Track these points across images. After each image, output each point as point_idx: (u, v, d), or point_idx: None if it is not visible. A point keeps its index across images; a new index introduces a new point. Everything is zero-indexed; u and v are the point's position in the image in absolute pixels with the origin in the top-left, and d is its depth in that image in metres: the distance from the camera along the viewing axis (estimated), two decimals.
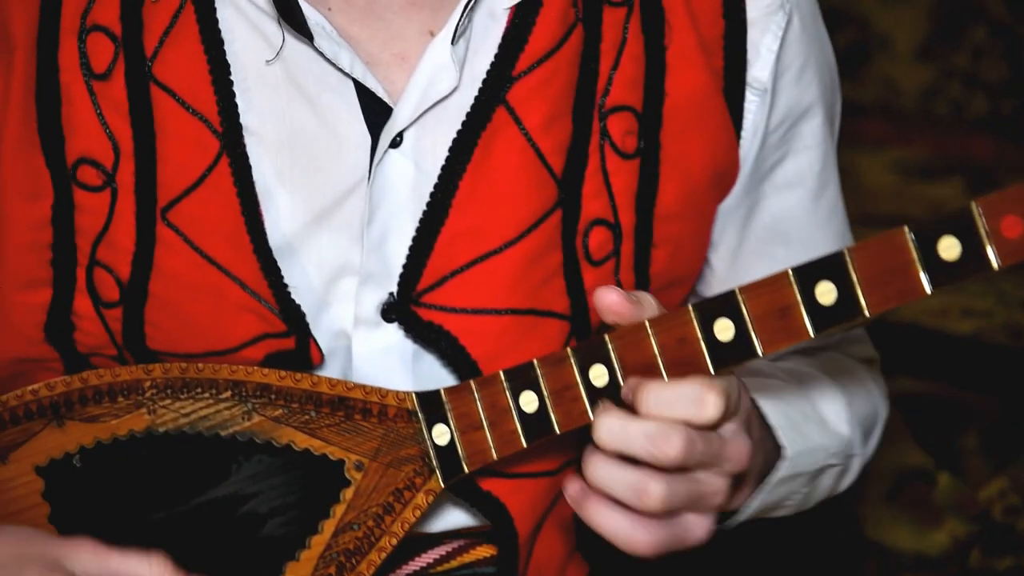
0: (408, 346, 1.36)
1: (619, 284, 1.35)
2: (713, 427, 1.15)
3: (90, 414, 1.30)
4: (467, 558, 1.44)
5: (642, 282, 1.39)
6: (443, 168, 1.33)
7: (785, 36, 1.40)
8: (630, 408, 1.15)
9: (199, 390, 1.30)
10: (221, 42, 1.33)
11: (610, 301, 1.15)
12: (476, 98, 1.33)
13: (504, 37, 1.34)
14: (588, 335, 1.37)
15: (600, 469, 1.14)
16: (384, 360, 1.36)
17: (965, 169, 3.00)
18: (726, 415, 1.14)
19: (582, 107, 1.35)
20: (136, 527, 1.30)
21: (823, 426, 1.45)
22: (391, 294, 1.34)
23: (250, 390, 1.29)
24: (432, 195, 1.33)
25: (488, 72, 1.34)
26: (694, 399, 1.12)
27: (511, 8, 1.33)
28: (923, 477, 2.41)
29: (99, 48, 1.33)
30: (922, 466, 2.41)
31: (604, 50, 1.36)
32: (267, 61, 1.33)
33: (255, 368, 1.30)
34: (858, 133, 3.19)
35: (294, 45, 1.32)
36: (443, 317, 1.34)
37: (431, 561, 1.44)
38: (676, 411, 1.11)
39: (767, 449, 1.36)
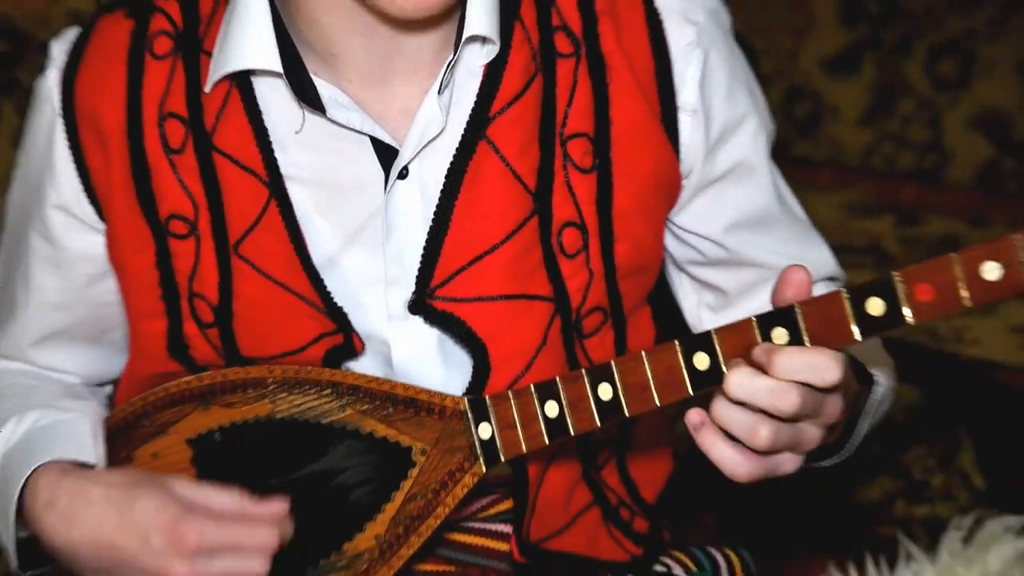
0: (432, 332, 1.41)
1: (590, 272, 1.43)
2: (831, 388, 1.18)
3: (227, 401, 1.41)
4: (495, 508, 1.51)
5: (610, 269, 1.44)
6: (442, 192, 1.39)
7: (706, 66, 1.44)
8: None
9: (307, 387, 1.39)
10: (260, 113, 1.39)
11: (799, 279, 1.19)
12: (462, 136, 1.39)
13: (481, 88, 1.39)
14: (568, 312, 1.43)
15: (724, 408, 1.16)
16: (415, 345, 1.43)
17: (895, 209, 3.17)
18: (836, 385, 1.18)
19: (546, 136, 1.41)
20: (258, 489, 1.36)
21: (881, 358, 1.51)
22: (412, 294, 1.40)
23: (344, 389, 1.38)
24: (435, 214, 1.39)
25: (470, 115, 1.39)
26: (821, 367, 1.15)
27: (485, 66, 1.39)
28: (859, 445, 2.63)
29: (173, 130, 1.40)
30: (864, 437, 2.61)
31: (560, 92, 1.42)
32: (295, 131, 1.40)
33: (349, 372, 1.40)
34: (813, 180, 3.33)
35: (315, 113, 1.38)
36: (453, 306, 1.40)
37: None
38: (803, 375, 1.14)
39: (853, 391, 1.35)
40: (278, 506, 1.33)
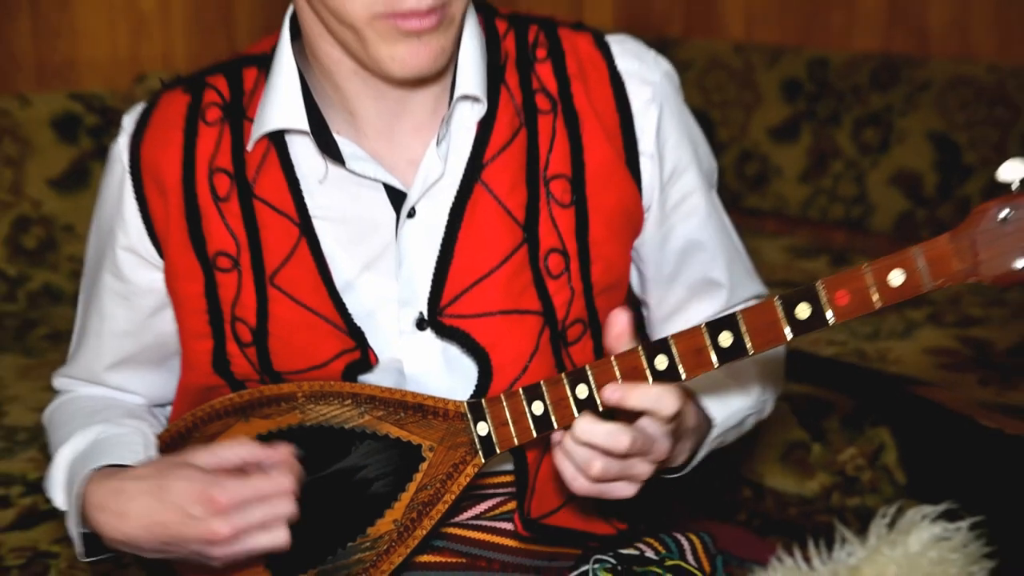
0: (438, 343, 1.41)
1: (571, 290, 1.43)
2: (671, 420, 1.25)
3: (264, 413, 1.41)
4: (494, 480, 1.47)
5: (587, 287, 1.45)
6: (446, 227, 1.40)
7: (660, 119, 1.45)
8: (607, 408, 1.25)
9: (331, 399, 1.39)
10: (292, 166, 1.41)
11: (617, 326, 1.27)
12: (462, 179, 1.40)
13: (475, 141, 1.40)
14: (555, 324, 1.43)
15: (569, 444, 1.22)
16: (424, 356, 1.42)
17: (829, 251, 3.19)
18: (672, 418, 1.25)
19: (532, 177, 1.42)
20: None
21: (743, 391, 1.52)
22: (421, 313, 1.41)
23: (362, 399, 1.38)
24: (441, 245, 1.40)
25: (467, 162, 1.40)
26: (666, 400, 1.22)
27: (477, 122, 1.41)
28: (802, 447, 2.55)
29: (220, 182, 1.42)
30: (802, 439, 2.56)
31: (541, 141, 1.42)
32: (320, 181, 1.41)
33: (366, 384, 1.39)
34: (761, 228, 3.39)
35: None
36: (459, 321, 1.40)
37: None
38: (650, 405, 1.22)
39: (703, 424, 1.45)
40: (285, 449, 1.32)
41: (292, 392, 1.39)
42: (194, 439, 1.44)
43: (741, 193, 3.55)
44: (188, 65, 3.13)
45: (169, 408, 1.59)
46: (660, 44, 3.65)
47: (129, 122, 1.46)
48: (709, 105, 3.63)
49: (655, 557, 1.50)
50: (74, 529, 1.39)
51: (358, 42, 1.30)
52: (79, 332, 1.56)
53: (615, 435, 1.20)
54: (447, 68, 1.38)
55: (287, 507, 1.28)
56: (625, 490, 1.27)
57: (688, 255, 1.51)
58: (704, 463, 1.49)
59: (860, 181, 3.37)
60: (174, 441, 1.45)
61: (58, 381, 1.59)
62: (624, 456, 1.22)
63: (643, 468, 1.26)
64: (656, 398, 1.22)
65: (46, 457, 1.48)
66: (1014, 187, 1.13)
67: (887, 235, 3.32)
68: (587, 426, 1.20)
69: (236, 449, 1.32)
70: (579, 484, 1.24)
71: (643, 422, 1.23)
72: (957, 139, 3.24)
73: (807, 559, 2.14)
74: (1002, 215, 1.13)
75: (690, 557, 1.54)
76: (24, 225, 2.75)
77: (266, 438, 1.39)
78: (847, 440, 2.50)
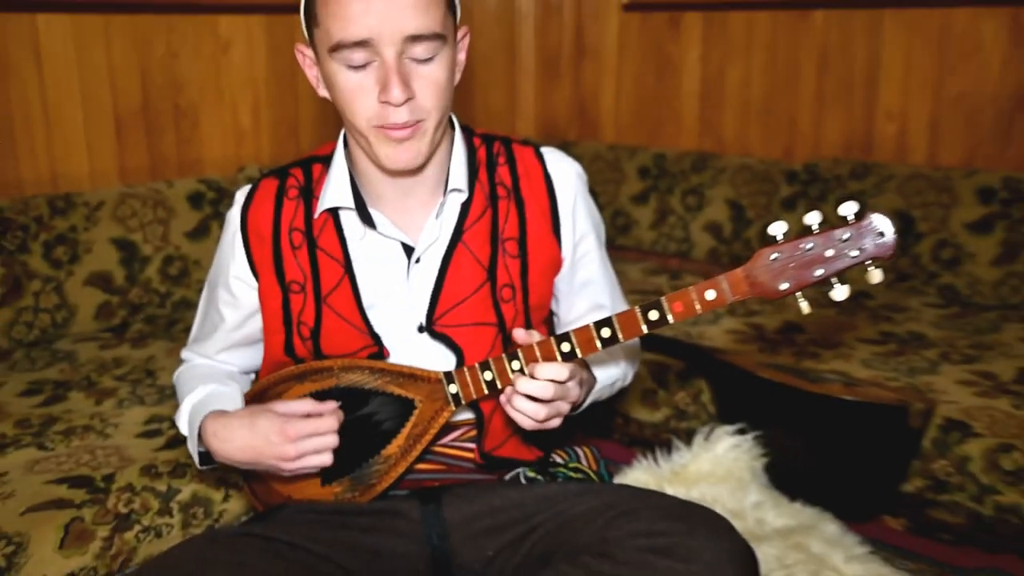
0: (431, 342, 1.37)
1: (516, 310, 1.39)
2: (566, 382, 1.23)
3: (313, 379, 1.38)
4: (466, 435, 1.42)
5: (526, 308, 1.41)
6: (439, 270, 1.37)
7: (575, 203, 1.43)
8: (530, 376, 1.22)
9: (356, 370, 1.36)
10: (342, 229, 1.37)
11: (518, 335, 1.25)
12: (449, 241, 1.37)
13: (459, 216, 1.37)
14: (507, 337, 1.39)
15: (518, 399, 1.22)
16: (422, 349, 1.38)
17: (667, 272, 3.06)
18: (571, 376, 1.24)
19: (494, 239, 1.38)
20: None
21: (615, 364, 1.48)
22: (421, 323, 1.37)
23: (376, 370, 1.35)
24: (435, 281, 1.37)
25: (454, 230, 1.37)
26: (558, 372, 1.21)
27: (460, 204, 1.37)
28: (653, 392, 2.49)
29: (296, 237, 1.38)
30: (652, 387, 2.49)
31: (500, 216, 1.39)
32: (360, 239, 1.38)
33: (379, 361, 1.36)
34: (626, 258, 3.24)
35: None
36: (445, 329, 1.37)
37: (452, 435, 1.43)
38: (551, 375, 1.21)
39: (591, 379, 1.41)
40: (332, 404, 1.32)
41: (331, 366, 1.37)
42: (268, 396, 1.42)
43: (614, 236, 3.50)
44: (270, 161, 3.14)
45: (252, 375, 1.58)
46: (563, 144, 3.67)
47: (240, 197, 1.43)
48: (594, 183, 3.56)
49: (561, 462, 1.50)
50: (193, 448, 1.38)
51: (366, 143, 1.28)
52: (200, 325, 1.54)
53: (544, 387, 1.21)
54: (429, 163, 1.35)
55: (332, 440, 1.29)
56: (555, 422, 1.25)
57: (586, 287, 1.49)
58: (592, 405, 1.47)
59: (686, 228, 3.35)
60: (256, 396, 1.44)
61: (185, 353, 1.57)
62: (551, 401, 1.22)
63: (564, 407, 1.25)
64: (556, 369, 1.21)
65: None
66: (779, 239, 1.16)
67: (703, 262, 3.29)
68: (525, 383, 1.21)
69: (301, 403, 1.32)
70: (528, 423, 1.23)
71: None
72: (743, 203, 3.23)
73: (656, 461, 2.20)
74: (772, 257, 1.16)
75: (584, 461, 1.53)
76: (170, 261, 2.73)
77: (314, 395, 1.37)
78: (680, 387, 2.49)
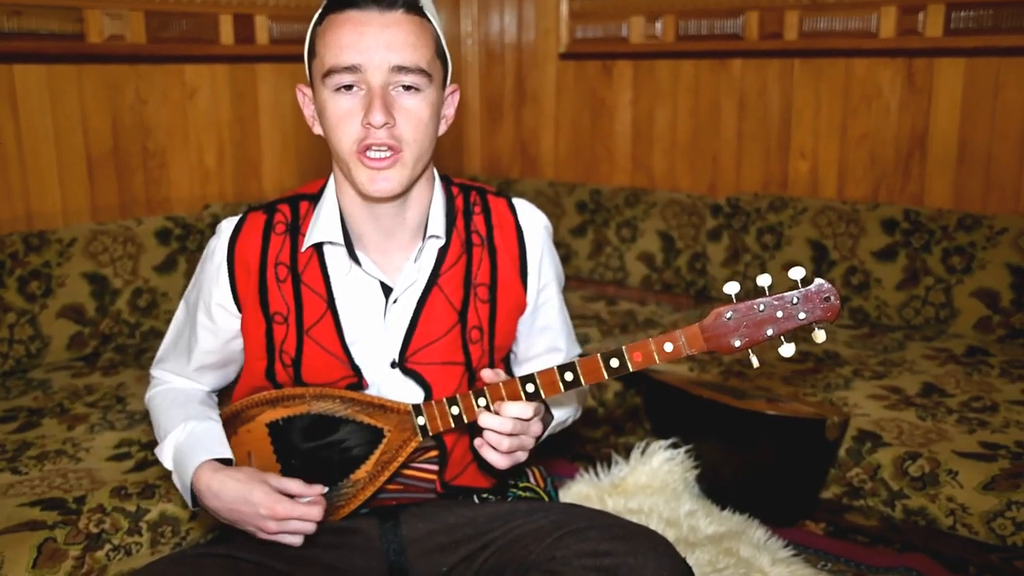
0: (402, 378, 1.36)
1: (483, 350, 1.38)
2: (529, 420, 1.24)
3: (285, 404, 1.36)
4: (426, 456, 1.41)
5: (491, 348, 1.40)
6: (414, 311, 1.35)
7: (541, 254, 1.42)
8: (495, 413, 1.23)
9: (328, 399, 1.34)
10: (327, 265, 1.35)
11: (486, 375, 1.25)
12: (425, 284, 1.35)
13: (435, 261, 1.35)
14: (473, 375, 1.39)
15: (487, 434, 1.23)
16: (393, 383, 1.36)
17: (605, 298, 3.05)
18: (535, 414, 1.24)
19: (466, 284, 1.37)
20: (302, 450, 1.35)
21: (569, 405, 1.49)
22: (394, 359, 1.35)
23: (347, 399, 1.33)
24: (410, 321, 1.35)
25: (430, 274, 1.35)
26: (524, 409, 1.22)
27: (438, 249, 1.36)
28: (593, 410, 2.38)
29: (281, 270, 1.35)
30: (593, 406, 2.40)
31: (474, 263, 1.37)
32: (345, 275, 1.35)
33: (349, 391, 1.34)
34: (568, 287, 2.95)
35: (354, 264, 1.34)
36: (416, 366, 1.36)
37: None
38: (517, 413, 1.22)
39: (549, 416, 1.44)
40: (319, 488, 1.30)
41: (303, 394, 1.35)
42: (241, 419, 1.39)
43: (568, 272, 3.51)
44: (233, 199, 3.10)
45: (215, 393, 1.54)
46: (506, 181, 3.67)
47: (227, 227, 1.39)
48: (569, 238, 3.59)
49: (512, 481, 1.49)
50: (180, 487, 1.35)
51: (347, 171, 1.26)
52: (172, 344, 1.49)
53: (506, 423, 1.21)
54: (410, 209, 1.34)
55: (310, 528, 1.27)
56: (522, 456, 1.26)
57: (545, 332, 1.48)
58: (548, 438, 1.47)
59: (621, 259, 3.36)
60: (231, 418, 1.40)
61: (156, 372, 1.52)
62: (513, 434, 1.22)
63: (528, 441, 1.25)
64: (521, 407, 1.23)
65: (151, 428, 1.45)
66: (735, 297, 1.17)
67: (638, 289, 3.29)
68: (489, 419, 1.22)
69: (294, 483, 1.29)
70: (496, 458, 1.23)
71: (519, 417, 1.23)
72: (672, 234, 3.24)
73: (597, 475, 2.20)
74: (727, 315, 1.17)
75: (532, 480, 1.52)
76: (139, 293, 2.68)
77: (287, 419, 1.35)
78: (618, 405, 2.49)
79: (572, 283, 3.39)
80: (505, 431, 1.20)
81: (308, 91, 1.32)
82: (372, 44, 1.19)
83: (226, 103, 3.06)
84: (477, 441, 1.23)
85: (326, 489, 1.31)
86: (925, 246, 2.70)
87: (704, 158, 3.34)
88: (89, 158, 2.76)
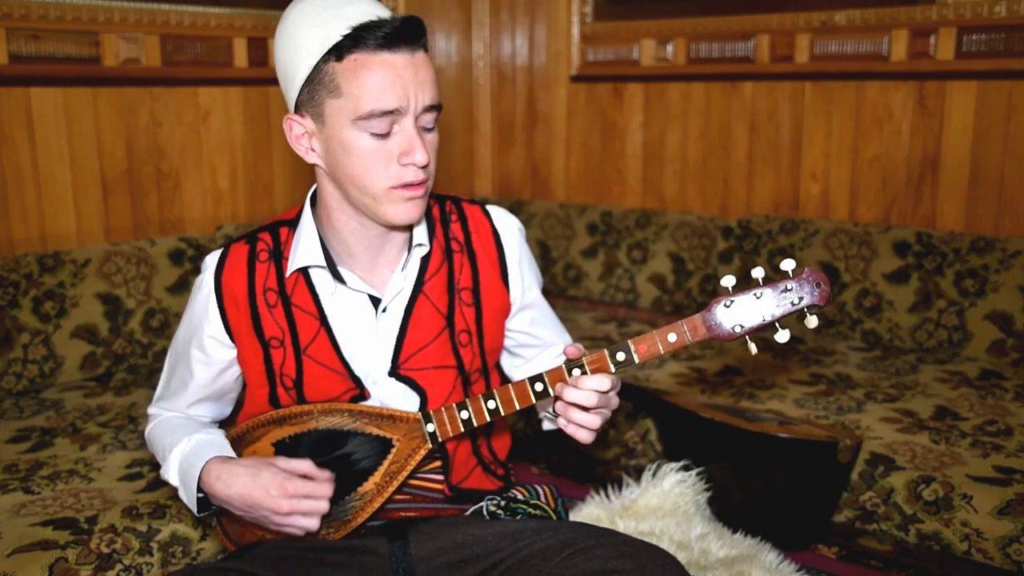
0: (398, 385, 1.38)
1: (473, 353, 1.41)
2: (608, 392, 1.25)
3: (292, 423, 1.37)
4: (430, 467, 1.43)
5: (482, 351, 1.43)
6: (403, 318, 1.37)
7: (520, 255, 1.45)
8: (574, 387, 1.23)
9: (335, 413, 1.36)
10: (314, 286, 1.36)
11: (570, 351, 1.25)
12: (412, 292, 1.37)
13: (419, 269, 1.38)
14: (466, 378, 1.41)
15: (570, 409, 1.24)
16: (395, 392, 1.38)
17: (616, 320, 3.01)
18: (613, 387, 1.25)
19: (451, 290, 1.39)
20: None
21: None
22: (389, 367, 1.37)
23: (355, 412, 1.35)
24: (399, 329, 1.37)
25: (415, 282, 1.37)
26: (602, 383, 1.22)
27: (421, 258, 1.38)
28: (604, 432, 2.49)
29: (271, 296, 1.37)
30: (603, 427, 2.63)
31: (455, 268, 1.40)
32: (331, 294, 1.37)
33: (357, 404, 1.36)
34: (577, 307, 3.21)
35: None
36: (409, 372, 1.38)
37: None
38: (596, 386, 1.22)
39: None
40: (328, 473, 1.31)
41: (310, 410, 1.36)
42: (247, 440, 1.41)
43: (566, 287, 3.51)
44: (246, 219, 3.13)
45: (214, 423, 1.56)
46: (518, 203, 3.69)
47: (211, 261, 1.40)
48: (547, 238, 3.60)
49: (522, 499, 1.49)
50: (191, 497, 1.36)
51: (374, 204, 1.26)
52: (165, 384, 1.50)
53: (589, 396, 1.22)
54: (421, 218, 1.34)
55: (324, 506, 1.28)
56: (603, 426, 1.28)
57: (534, 326, 1.52)
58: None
59: (632, 280, 3.37)
60: (234, 440, 1.43)
61: (152, 410, 1.53)
62: (599, 407, 1.24)
63: (607, 413, 1.29)
64: (599, 380, 1.23)
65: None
66: (731, 289, 1.22)
67: (648, 311, 3.30)
68: (572, 392, 1.22)
69: (303, 463, 1.30)
70: (583, 435, 1.26)
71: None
72: (683, 255, 3.25)
73: (607, 496, 2.19)
74: (725, 303, 1.22)
75: (543, 498, 1.52)
76: (152, 314, 2.70)
77: (293, 437, 1.37)
78: (629, 426, 2.49)
79: (582, 304, 3.40)
80: (591, 404, 1.22)
81: (305, 122, 1.28)
82: (410, 87, 1.21)
83: (239, 125, 3.09)
84: (560, 421, 1.25)
85: (332, 475, 1.32)
86: (937, 269, 2.70)
87: (715, 180, 3.36)
88: (104, 180, 2.79)
